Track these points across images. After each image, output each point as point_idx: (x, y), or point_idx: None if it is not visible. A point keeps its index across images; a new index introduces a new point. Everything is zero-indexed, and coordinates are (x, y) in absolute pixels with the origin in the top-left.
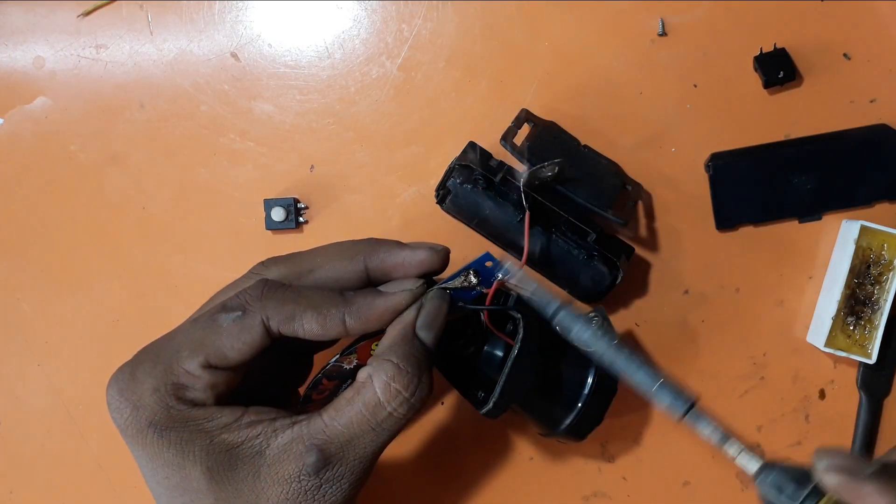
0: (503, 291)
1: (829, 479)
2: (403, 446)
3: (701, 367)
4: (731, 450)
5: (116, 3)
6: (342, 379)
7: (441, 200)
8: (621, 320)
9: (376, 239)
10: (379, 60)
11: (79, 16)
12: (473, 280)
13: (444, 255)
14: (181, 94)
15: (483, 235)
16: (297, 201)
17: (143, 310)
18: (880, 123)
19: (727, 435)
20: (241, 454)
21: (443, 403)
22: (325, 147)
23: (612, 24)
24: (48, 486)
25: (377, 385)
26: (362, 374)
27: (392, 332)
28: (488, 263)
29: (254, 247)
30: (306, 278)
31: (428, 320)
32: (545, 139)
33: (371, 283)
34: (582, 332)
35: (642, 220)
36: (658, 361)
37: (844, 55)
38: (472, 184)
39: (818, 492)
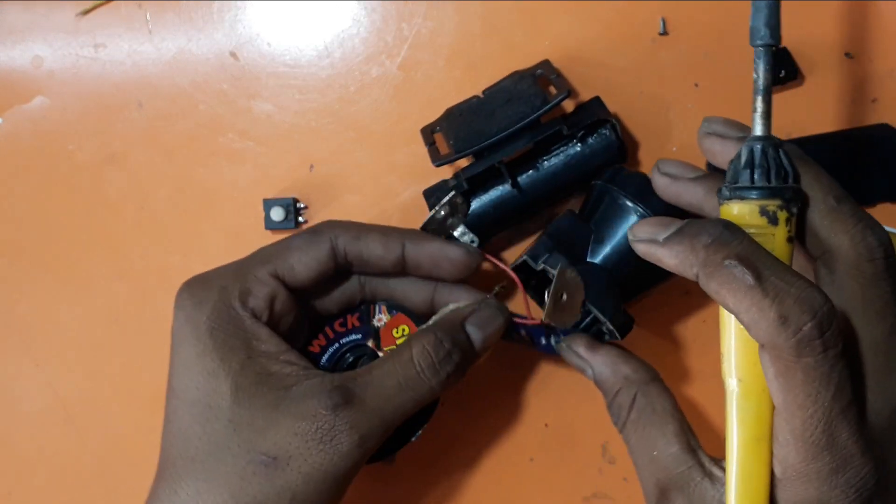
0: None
1: (638, 248)
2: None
3: (701, 367)
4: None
5: (115, 2)
6: (355, 341)
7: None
8: None
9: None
10: (379, 59)
11: (77, 15)
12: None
13: (478, 258)
14: (180, 93)
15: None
16: (296, 201)
17: (141, 310)
18: (882, 123)
19: None
20: (268, 383)
21: (443, 404)
22: (325, 146)
23: (613, 24)
24: (46, 487)
25: (414, 347)
26: (404, 341)
27: (442, 314)
28: None
29: (253, 247)
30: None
31: (480, 322)
32: (453, 118)
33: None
34: None
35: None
36: (657, 362)
37: (846, 54)
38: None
39: None
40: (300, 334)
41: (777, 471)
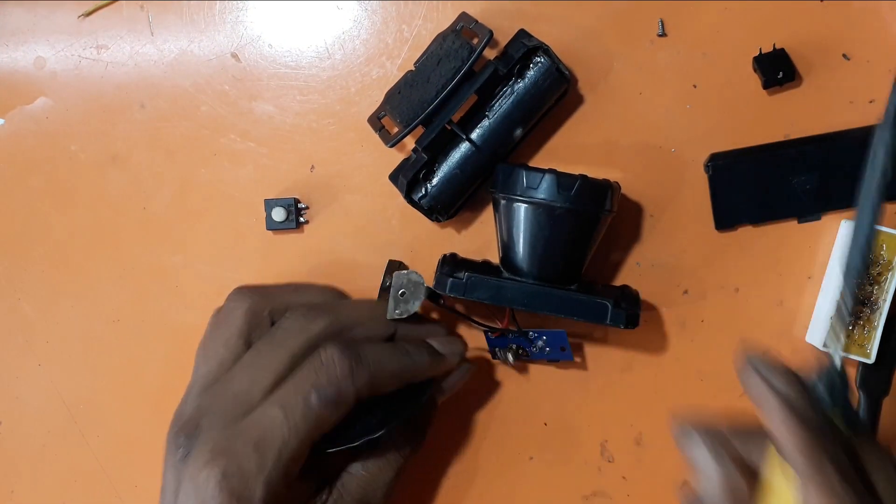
0: None
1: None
2: None
3: (701, 366)
4: None
5: (117, 3)
6: None
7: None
8: None
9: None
10: (379, 61)
11: (79, 16)
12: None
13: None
14: (182, 94)
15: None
16: (297, 201)
17: (143, 310)
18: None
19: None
20: None
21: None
22: (326, 147)
23: (612, 25)
24: (49, 486)
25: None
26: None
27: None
28: None
29: (254, 247)
30: (348, 332)
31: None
32: (394, 98)
33: None
34: None
35: (641, 220)
36: (656, 361)
37: (844, 55)
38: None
39: None
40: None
41: None
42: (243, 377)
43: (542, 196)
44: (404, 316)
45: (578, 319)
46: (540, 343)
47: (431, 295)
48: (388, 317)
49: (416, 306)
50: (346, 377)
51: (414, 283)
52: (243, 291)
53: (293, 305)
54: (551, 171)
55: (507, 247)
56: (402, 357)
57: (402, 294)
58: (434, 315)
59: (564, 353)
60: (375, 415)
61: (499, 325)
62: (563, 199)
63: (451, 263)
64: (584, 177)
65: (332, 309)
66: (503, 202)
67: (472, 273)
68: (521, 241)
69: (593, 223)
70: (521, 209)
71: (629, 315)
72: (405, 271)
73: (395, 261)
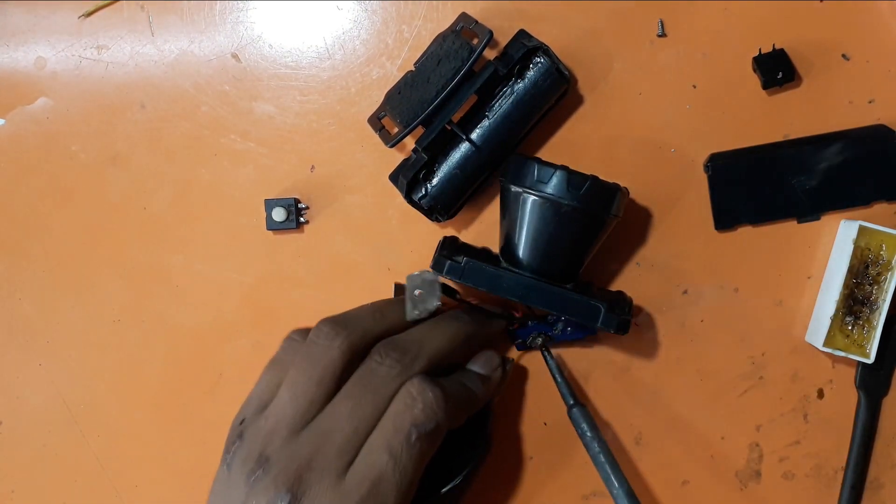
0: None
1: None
2: None
3: (700, 366)
4: None
5: (118, 3)
6: None
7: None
8: None
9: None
10: (379, 61)
11: (80, 16)
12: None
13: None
14: (182, 94)
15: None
16: (297, 201)
17: (143, 310)
18: (878, 124)
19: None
20: None
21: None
22: (326, 148)
23: (612, 25)
24: (49, 485)
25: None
26: None
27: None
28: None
29: (254, 247)
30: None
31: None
32: (394, 99)
33: None
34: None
35: (641, 220)
36: (656, 361)
37: (843, 56)
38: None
39: None
40: None
41: None
42: (346, 427)
43: (550, 191)
44: (424, 315)
45: (570, 318)
46: (560, 325)
47: (446, 290)
48: (408, 318)
49: (434, 304)
50: (441, 408)
51: (428, 281)
52: (336, 327)
53: (378, 337)
54: (564, 167)
55: (509, 237)
56: (463, 388)
57: (418, 294)
58: None
59: (587, 329)
60: (451, 449)
61: (516, 315)
62: (571, 196)
63: (450, 247)
64: (594, 178)
65: (423, 349)
66: (511, 192)
67: (470, 259)
68: (524, 233)
69: (598, 225)
70: (529, 201)
71: (621, 320)
72: (417, 272)
73: (400, 285)
